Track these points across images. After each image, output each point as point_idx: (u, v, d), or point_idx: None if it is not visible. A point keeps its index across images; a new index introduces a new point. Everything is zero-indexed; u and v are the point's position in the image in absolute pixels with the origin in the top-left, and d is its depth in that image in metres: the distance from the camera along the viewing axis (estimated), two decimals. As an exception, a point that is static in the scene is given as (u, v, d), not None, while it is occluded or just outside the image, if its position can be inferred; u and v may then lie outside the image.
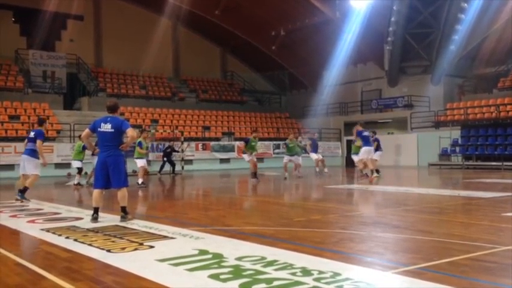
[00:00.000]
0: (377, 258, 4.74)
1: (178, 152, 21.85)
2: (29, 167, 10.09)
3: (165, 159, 20.76)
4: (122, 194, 7.22)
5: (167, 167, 20.66)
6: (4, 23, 27.33)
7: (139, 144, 14.75)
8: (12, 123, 21.97)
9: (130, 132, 7.15)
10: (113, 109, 7.41)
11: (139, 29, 29.23)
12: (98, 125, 7.23)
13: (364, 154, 15.00)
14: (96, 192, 7.27)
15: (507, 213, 7.56)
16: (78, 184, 14.50)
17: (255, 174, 15.76)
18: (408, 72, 28.93)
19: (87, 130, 7.55)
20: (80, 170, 14.91)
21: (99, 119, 7.39)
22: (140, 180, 14.23)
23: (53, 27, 26.77)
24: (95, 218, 7.13)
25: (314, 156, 18.85)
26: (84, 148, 14.59)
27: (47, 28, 25.84)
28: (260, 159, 18.94)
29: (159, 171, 20.50)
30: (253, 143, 16.00)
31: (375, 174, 14.79)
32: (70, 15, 28.10)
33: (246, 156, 16.22)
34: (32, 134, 10.25)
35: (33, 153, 10.03)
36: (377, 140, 16.98)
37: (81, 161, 15.04)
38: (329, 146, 29.15)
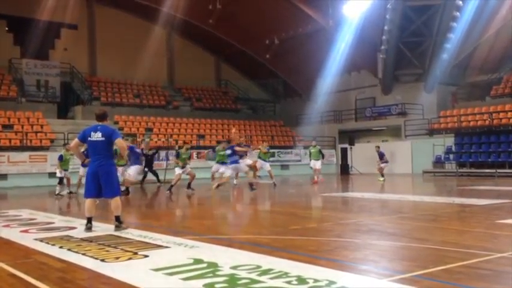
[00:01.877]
0: (372, 266, 4.74)
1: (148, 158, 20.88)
2: None
3: (146, 169, 19.34)
4: (116, 203, 7.15)
5: (150, 176, 20.07)
6: (-2, 32, 27.30)
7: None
8: (6, 132, 21.84)
9: (119, 143, 7.13)
10: (102, 117, 7.29)
11: (134, 38, 29.24)
12: (87, 134, 7.14)
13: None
14: (88, 201, 7.19)
15: (501, 220, 7.59)
16: (59, 195, 14.22)
17: (189, 185, 15.31)
18: (402, 80, 29.09)
19: (76, 140, 7.40)
20: (60, 179, 14.53)
21: (89, 128, 7.30)
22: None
23: (47, 36, 26.70)
24: (88, 228, 7.07)
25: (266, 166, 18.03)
26: (60, 159, 14.46)
27: (41, 37, 25.78)
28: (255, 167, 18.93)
29: (141, 182, 19.62)
30: (184, 156, 15.30)
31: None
32: (64, 24, 28.07)
33: (177, 170, 15.19)
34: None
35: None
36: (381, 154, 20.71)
37: (66, 170, 14.73)
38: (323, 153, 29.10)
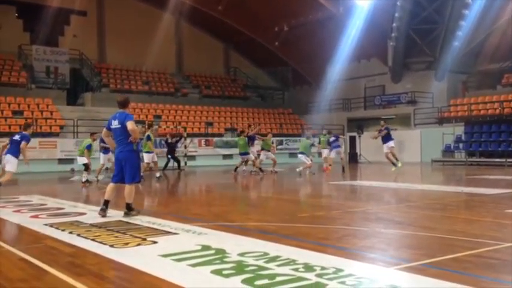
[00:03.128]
0: (380, 255, 4.74)
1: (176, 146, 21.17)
2: (8, 165, 10.49)
3: (169, 156, 20.20)
4: (129, 190, 7.21)
5: (171, 163, 20.45)
6: (7, 19, 27.32)
7: (148, 138, 14.89)
8: (16, 118, 22.00)
9: (130, 125, 7.08)
10: (123, 104, 7.38)
11: (142, 25, 29.20)
12: (110, 123, 7.30)
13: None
14: (110, 185, 7.35)
15: (510, 210, 7.54)
16: (87, 181, 14.08)
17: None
18: (412, 68, 28.83)
19: (104, 130, 7.60)
20: (86, 166, 14.43)
21: (112, 116, 7.42)
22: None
23: (56, 22, 26.76)
24: (102, 210, 7.13)
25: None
26: (88, 148, 14.53)
27: (50, 24, 25.84)
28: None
29: (164, 169, 20.21)
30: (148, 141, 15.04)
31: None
32: (73, 10, 28.07)
33: (145, 156, 14.98)
34: (17, 137, 10.54)
35: (16, 153, 10.47)
36: (387, 129, 18.28)
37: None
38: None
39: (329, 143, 18.94)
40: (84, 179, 14.19)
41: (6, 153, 10.62)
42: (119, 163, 7.29)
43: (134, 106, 26.91)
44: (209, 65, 33.68)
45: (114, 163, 7.65)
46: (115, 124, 7.18)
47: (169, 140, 20.24)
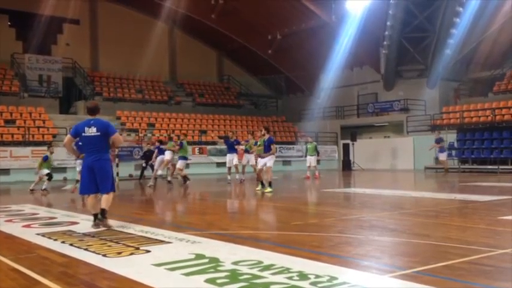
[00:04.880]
0: (374, 262, 4.74)
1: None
2: None
3: (144, 165, 19.79)
4: (108, 197, 7.00)
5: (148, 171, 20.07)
6: (0, 27, 27.27)
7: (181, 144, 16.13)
8: (8, 127, 21.89)
9: (116, 139, 6.98)
10: (94, 111, 7.07)
11: (136, 33, 29.23)
12: (81, 130, 6.92)
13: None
14: (90, 198, 7.05)
15: (504, 217, 7.57)
16: (45, 190, 13.88)
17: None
18: (404, 76, 29.02)
19: (68, 136, 7.16)
20: (49, 175, 14.13)
21: (81, 123, 7.08)
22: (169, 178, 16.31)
23: (49, 31, 26.74)
24: (97, 224, 6.92)
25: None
26: (45, 159, 14.25)
27: (43, 32, 25.82)
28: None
29: (140, 178, 19.84)
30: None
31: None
32: (66, 19, 28.06)
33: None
34: None
35: None
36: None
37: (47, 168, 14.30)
38: (326, 149, 29.17)
39: (317, 151, 19.79)
40: (43, 187, 13.93)
41: None
42: (91, 172, 6.88)
43: (127, 114, 26.90)
44: (202, 73, 33.74)
45: (82, 173, 7.09)
46: (91, 131, 6.85)
47: (149, 148, 19.95)
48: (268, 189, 12.59)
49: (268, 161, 13.13)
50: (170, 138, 18.96)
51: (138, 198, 13.16)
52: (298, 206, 10.51)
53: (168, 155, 16.85)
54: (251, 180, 15.64)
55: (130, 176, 21.21)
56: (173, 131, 26.03)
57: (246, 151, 17.07)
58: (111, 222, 7.24)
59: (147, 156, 19.57)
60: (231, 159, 17.39)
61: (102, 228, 6.86)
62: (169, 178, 17.44)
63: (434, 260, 4.69)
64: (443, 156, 19.84)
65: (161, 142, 17.18)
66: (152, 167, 19.45)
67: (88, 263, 4.85)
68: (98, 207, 7.02)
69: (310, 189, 15.10)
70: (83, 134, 6.90)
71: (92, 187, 6.95)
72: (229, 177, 17.41)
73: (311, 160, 19.55)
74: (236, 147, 17.46)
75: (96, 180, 6.89)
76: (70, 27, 28.98)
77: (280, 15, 29.16)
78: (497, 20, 25.08)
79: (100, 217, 6.92)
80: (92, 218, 7.11)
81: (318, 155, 20.04)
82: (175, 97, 31.13)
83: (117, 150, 11.15)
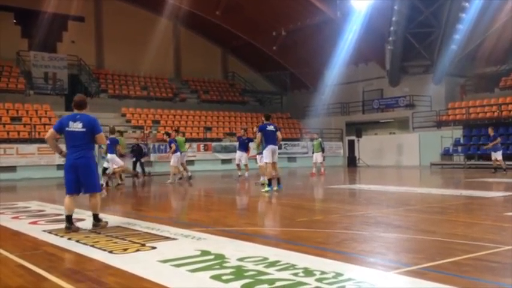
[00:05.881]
0: (379, 259, 4.73)
1: (146, 154, 21.06)
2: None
3: (134, 159, 19.56)
4: (95, 201, 6.61)
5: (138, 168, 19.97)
6: (5, 25, 27.34)
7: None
8: (14, 124, 21.99)
9: (100, 139, 6.57)
10: (81, 105, 6.59)
11: (140, 30, 29.25)
12: (65, 124, 6.45)
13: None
14: (68, 198, 6.48)
15: (510, 213, 7.55)
16: None
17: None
18: (409, 72, 28.91)
19: (51, 130, 6.59)
20: None
21: (66, 117, 6.62)
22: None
23: (54, 28, 26.80)
24: (68, 228, 6.40)
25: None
26: None
27: (48, 29, 25.89)
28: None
29: (144, 173, 19.77)
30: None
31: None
32: (71, 16, 28.11)
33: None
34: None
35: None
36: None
37: None
38: (330, 146, 29.13)
39: (322, 147, 19.64)
40: None
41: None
42: (74, 171, 6.39)
43: (132, 111, 26.97)
44: (207, 70, 33.74)
45: (64, 171, 6.53)
46: (76, 127, 6.38)
47: (138, 143, 19.95)
48: (265, 189, 11.85)
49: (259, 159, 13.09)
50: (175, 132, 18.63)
51: (144, 195, 13.20)
52: (303, 202, 10.51)
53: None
54: (257, 177, 15.63)
55: (150, 174, 21.02)
56: (178, 128, 26.07)
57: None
58: (116, 218, 7.26)
59: (136, 151, 19.54)
60: (240, 156, 17.40)
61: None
62: (185, 174, 17.30)
63: (440, 256, 4.67)
64: (499, 155, 18.12)
65: (168, 135, 17.12)
66: (141, 163, 19.49)
67: (94, 259, 4.87)
68: (74, 209, 6.58)
69: (315, 186, 15.09)
70: (67, 128, 6.43)
71: (74, 187, 6.48)
72: (239, 173, 17.39)
73: (317, 157, 19.59)
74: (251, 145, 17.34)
75: (79, 179, 6.43)
76: (75, 24, 29.05)
77: (285, 11, 29.10)
78: (503, 15, 24.92)
79: (95, 222, 6.64)
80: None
81: (323, 152, 19.97)
82: (180, 94, 31.16)
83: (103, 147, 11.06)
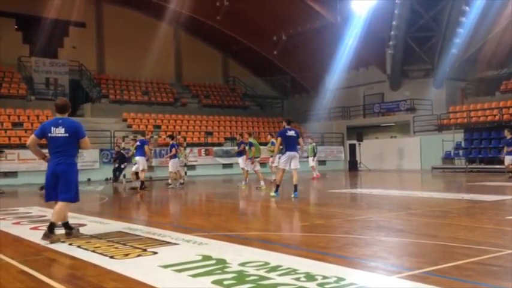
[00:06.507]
0: (381, 263, 4.72)
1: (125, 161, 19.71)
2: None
3: (116, 165, 19.14)
4: (60, 208, 6.20)
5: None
6: (7, 31, 27.43)
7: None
8: (16, 130, 22.02)
9: (84, 143, 6.36)
10: (63, 109, 6.33)
11: (141, 35, 29.33)
12: (47, 129, 6.20)
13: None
14: (55, 207, 6.30)
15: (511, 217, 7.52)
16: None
17: None
18: (410, 76, 28.92)
19: (32, 136, 6.35)
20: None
21: (48, 122, 6.39)
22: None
23: (55, 34, 26.88)
24: (67, 234, 6.41)
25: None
26: None
27: (49, 35, 25.96)
28: (262, 164, 18.70)
29: (115, 180, 19.21)
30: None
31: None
32: (72, 22, 28.22)
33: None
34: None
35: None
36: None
37: None
38: (332, 150, 29.12)
39: (314, 152, 19.92)
40: None
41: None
42: (54, 177, 6.15)
43: (133, 116, 27.00)
44: (208, 75, 33.78)
45: (46, 179, 6.27)
46: (58, 132, 6.15)
47: (120, 149, 19.47)
48: (272, 194, 11.89)
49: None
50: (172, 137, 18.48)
51: (145, 200, 13.18)
52: (304, 206, 10.49)
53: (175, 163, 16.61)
54: (258, 183, 15.61)
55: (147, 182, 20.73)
56: (179, 132, 26.10)
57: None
58: (118, 223, 7.25)
59: (119, 157, 18.98)
60: (240, 162, 17.31)
61: (107, 230, 6.86)
62: (181, 180, 17.25)
63: (442, 260, 4.66)
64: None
65: (172, 137, 17.01)
66: (121, 169, 18.92)
67: (95, 264, 4.87)
68: (66, 216, 6.47)
69: (317, 190, 15.07)
70: (49, 134, 6.18)
71: (53, 194, 6.24)
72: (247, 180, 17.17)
73: (309, 161, 19.83)
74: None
75: (57, 186, 6.17)
76: (76, 30, 29.15)
77: (285, 16, 29.16)
78: (503, 19, 24.95)
79: (47, 232, 6.13)
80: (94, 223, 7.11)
81: (314, 156, 20.11)
82: (181, 99, 31.20)
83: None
